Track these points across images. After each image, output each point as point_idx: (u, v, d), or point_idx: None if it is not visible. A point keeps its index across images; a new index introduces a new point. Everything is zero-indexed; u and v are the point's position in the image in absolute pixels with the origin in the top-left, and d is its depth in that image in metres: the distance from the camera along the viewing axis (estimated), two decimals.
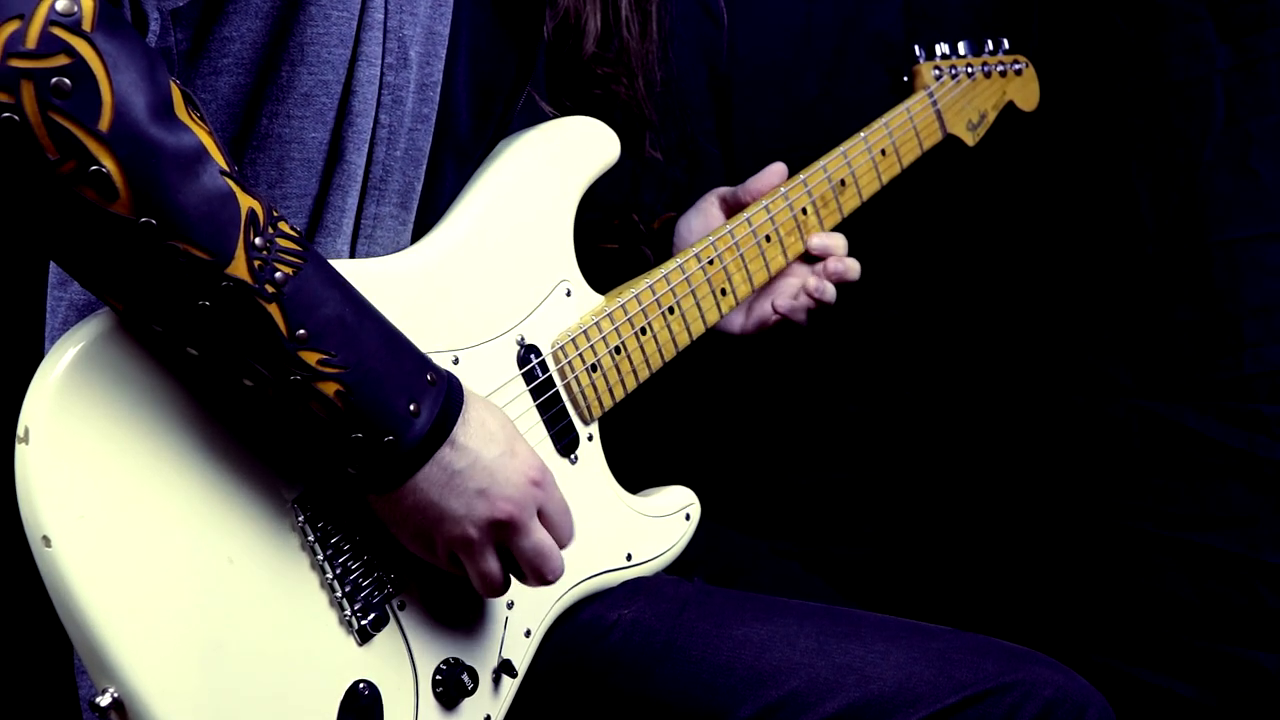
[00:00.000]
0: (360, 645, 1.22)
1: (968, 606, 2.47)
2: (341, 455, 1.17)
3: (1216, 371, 2.21)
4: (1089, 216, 2.36)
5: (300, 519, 1.19)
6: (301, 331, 1.10)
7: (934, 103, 1.86)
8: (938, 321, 2.51)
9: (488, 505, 1.21)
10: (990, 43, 1.99)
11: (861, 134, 1.75)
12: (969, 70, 1.93)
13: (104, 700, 1.07)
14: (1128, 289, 2.31)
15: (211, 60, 1.23)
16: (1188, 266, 2.23)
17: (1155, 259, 2.27)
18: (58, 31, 0.98)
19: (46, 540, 1.05)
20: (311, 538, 1.20)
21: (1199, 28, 2.18)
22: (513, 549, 1.25)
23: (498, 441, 1.23)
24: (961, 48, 1.93)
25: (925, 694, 1.33)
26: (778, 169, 1.70)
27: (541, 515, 1.26)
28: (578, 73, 1.57)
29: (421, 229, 1.37)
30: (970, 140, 1.93)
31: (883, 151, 1.77)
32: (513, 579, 1.28)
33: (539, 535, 1.26)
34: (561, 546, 1.28)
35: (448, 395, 1.20)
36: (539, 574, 1.27)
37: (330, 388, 1.12)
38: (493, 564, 1.25)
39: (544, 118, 1.52)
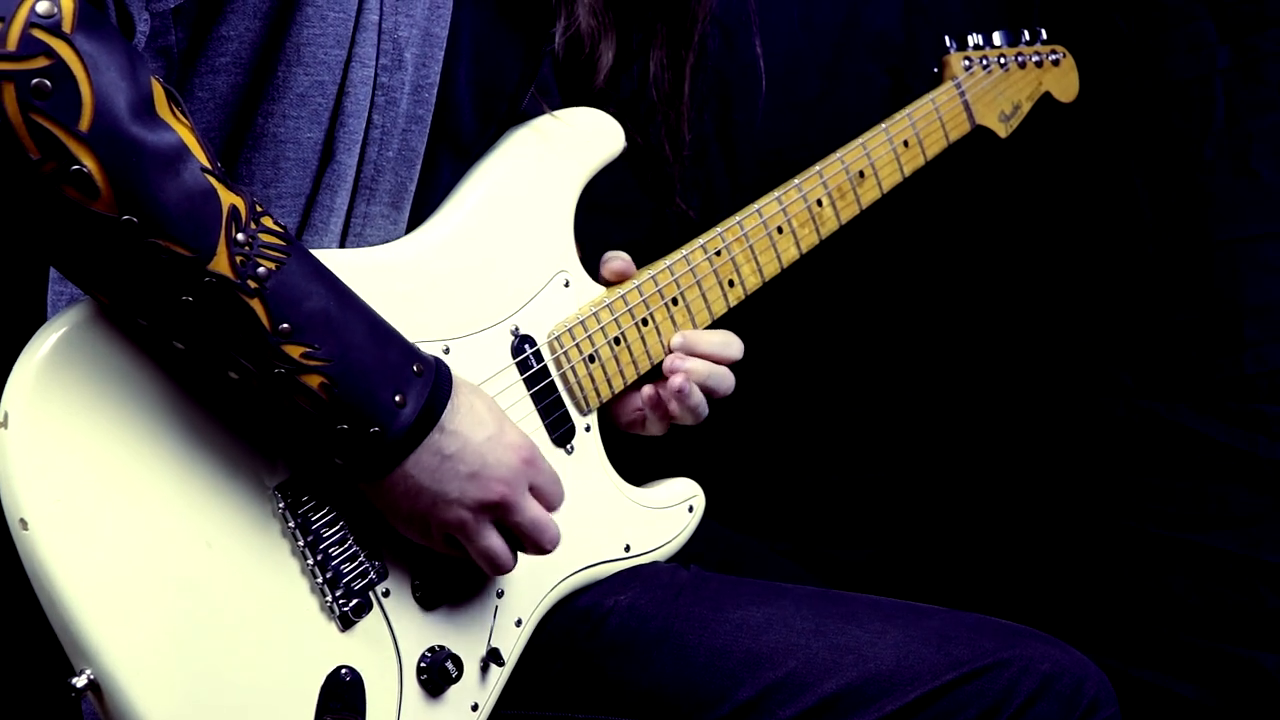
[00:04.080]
0: (342, 631, 1.22)
1: (969, 607, 2.46)
2: (328, 446, 1.17)
3: (1216, 371, 2.20)
4: (1089, 216, 2.36)
5: (280, 505, 1.20)
6: (285, 325, 1.10)
7: (961, 94, 1.85)
8: (939, 322, 2.51)
9: (479, 488, 1.22)
10: (1027, 33, 1.98)
11: (883, 125, 1.73)
12: (1001, 61, 1.92)
13: (80, 681, 1.07)
14: (1128, 289, 2.31)
15: (209, 59, 1.23)
16: (1188, 266, 2.23)
17: (1155, 259, 2.27)
18: (38, 34, 0.99)
19: (24, 523, 1.05)
20: (291, 524, 1.20)
21: (1199, 28, 2.18)
22: (509, 525, 1.27)
23: (486, 425, 1.24)
24: (996, 38, 1.92)
25: (923, 672, 1.34)
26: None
27: (533, 489, 1.28)
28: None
29: (416, 227, 1.37)
30: (1003, 132, 1.91)
31: (905, 143, 1.75)
32: (519, 556, 1.30)
33: (533, 510, 1.28)
34: (552, 510, 1.31)
35: (435, 384, 1.20)
36: (537, 546, 1.30)
37: (314, 380, 1.12)
38: (494, 540, 1.26)
39: None
